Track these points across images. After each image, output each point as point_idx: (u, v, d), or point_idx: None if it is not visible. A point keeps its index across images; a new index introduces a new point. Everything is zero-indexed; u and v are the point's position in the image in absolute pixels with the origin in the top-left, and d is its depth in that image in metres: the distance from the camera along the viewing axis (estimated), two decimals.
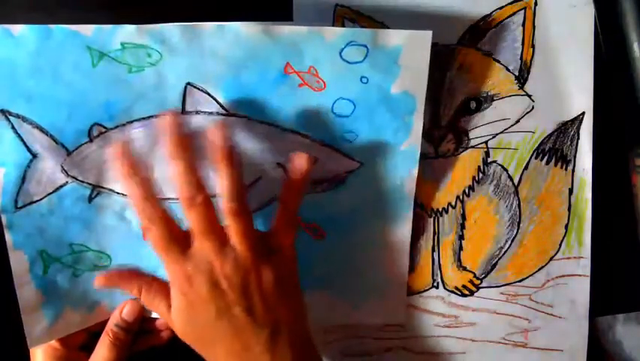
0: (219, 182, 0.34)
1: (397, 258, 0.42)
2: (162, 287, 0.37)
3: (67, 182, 0.38)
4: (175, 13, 0.37)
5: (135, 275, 0.38)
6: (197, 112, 0.38)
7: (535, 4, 0.41)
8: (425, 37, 0.37)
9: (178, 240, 0.35)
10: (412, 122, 0.39)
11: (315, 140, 0.39)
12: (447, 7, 0.40)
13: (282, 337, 0.35)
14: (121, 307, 0.41)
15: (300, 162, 0.36)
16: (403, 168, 0.40)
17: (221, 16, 0.36)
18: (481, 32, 0.41)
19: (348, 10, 0.40)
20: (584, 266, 0.43)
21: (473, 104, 0.42)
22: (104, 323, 0.41)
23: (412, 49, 0.37)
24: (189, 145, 0.35)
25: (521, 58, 0.41)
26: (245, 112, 0.38)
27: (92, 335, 0.42)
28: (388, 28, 0.40)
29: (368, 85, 0.38)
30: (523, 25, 0.41)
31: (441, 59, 0.41)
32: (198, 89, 0.37)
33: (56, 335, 0.40)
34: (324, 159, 0.39)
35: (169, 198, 0.38)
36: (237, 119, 0.38)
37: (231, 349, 0.35)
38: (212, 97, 0.37)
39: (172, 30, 0.35)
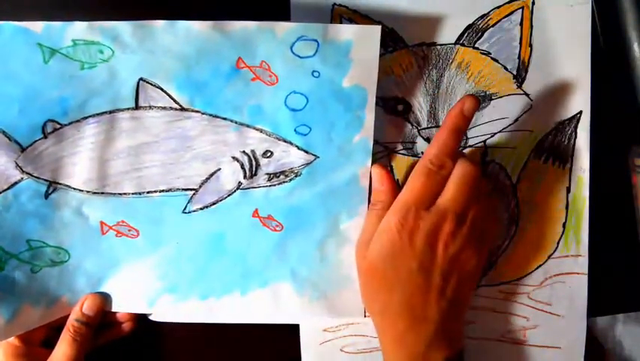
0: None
1: (354, 252, 0.41)
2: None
3: (22, 178, 0.38)
4: (167, 11, 0.37)
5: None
6: (150, 107, 0.38)
7: (533, 3, 0.41)
8: (374, 31, 0.37)
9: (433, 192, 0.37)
10: (363, 116, 0.39)
11: (269, 133, 0.40)
12: (445, 6, 0.41)
13: (455, 323, 0.38)
14: (81, 302, 0.40)
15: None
16: (356, 161, 0.40)
17: (218, 16, 0.36)
18: (479, 32, 0.41)
19: (346, 10, 0.40)
20: (582, 264, 0.43)
21: None
22: (65, 318, 0.40)
23: (363, 43, 0.37)
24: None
25: (519, 57, 0.41)
26: (198, 107, 0.38)
27: (54, 330, 0.41)
28: (387, 27, 0.41)
29: (320, 79, 0.38)
30: (521, 24, 0.41)
31: (439, 59, 0.41)
32: (151, 84, 0.37)
33: (15, 332, 0.39)
34: (279, 152, 0.40)
35: (125, 194, 0.39)
36: (191, 114, 0.38)
37: (407, 303, 0.36)
38: (165, 92, 0.38)
39: (124, 27, 0.36)
